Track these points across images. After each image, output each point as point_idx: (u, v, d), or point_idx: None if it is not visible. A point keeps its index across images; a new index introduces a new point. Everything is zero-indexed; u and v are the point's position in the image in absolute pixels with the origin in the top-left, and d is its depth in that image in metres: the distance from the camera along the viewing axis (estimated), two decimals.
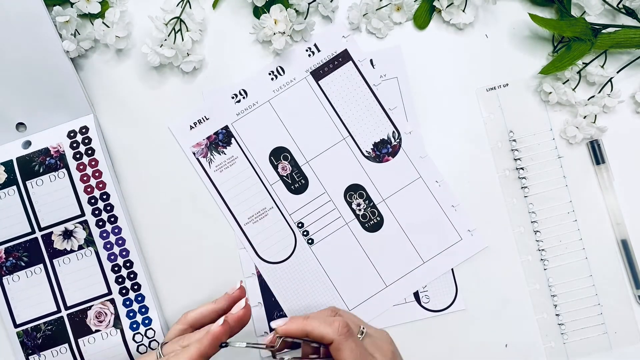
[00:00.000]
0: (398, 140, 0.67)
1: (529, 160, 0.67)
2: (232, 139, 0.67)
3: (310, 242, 0.67)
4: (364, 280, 0.67)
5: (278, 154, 0.67)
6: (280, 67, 0.67)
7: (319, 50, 0.67)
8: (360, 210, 0.67)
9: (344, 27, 0.67)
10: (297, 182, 0.67)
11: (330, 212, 0.67)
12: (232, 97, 0.67)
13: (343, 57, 0.67)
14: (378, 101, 0.67)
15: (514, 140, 0.67)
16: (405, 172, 0.67)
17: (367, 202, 0.67)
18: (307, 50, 0.67)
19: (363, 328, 0.56)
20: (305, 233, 0.67)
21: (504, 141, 0.67)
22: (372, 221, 0.67)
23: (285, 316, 0.66)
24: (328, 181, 0.67)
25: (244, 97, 0.67)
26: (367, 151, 0.67)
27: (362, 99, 0.67)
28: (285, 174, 0.67)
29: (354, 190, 0.67)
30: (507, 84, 0.67)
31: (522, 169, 0.67)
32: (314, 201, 0.67)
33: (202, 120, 0.67)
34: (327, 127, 0.67)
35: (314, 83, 0.67)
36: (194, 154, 0.67)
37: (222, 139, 0.67)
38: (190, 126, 0.67)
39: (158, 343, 0.64)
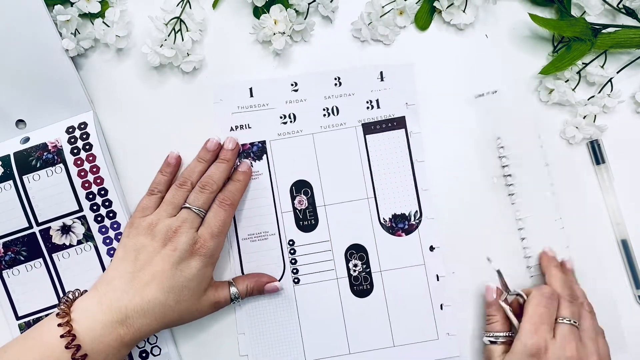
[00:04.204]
0: (417, 221, 0.67)
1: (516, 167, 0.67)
2: (265, 155, 0.67)
3: (296, 281, 0.67)
4: (331, 338, 0.66)
5: (300, 187, 0.67)
6: (336, 107, 0.67)
7: (379, 107, 0.67)
8: (355, 271, 0.66)
9: (411, 96, 0.67)
10: (307, 220, 0.67)
11: (326, 262, 0.67)
12: (280, 117, 0.67)
13: (398, 123, 0.67)
14: (414, 177, 0.67)
15: (502, 147, 0.67)
16: (412, 254, 0.67)
17: (364, 266, 0.66)
18: (367, 102, 0.67)
19: (577, 323, 0.60)
20: (294, 270, 0.67)
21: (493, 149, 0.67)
22: (362, 286, 0.66)
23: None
24: (336, 231, 0.67)
25: (291, 121, 0.67)
26: (384, 219, 0.67)
27: (401, 169, 0.67)
28: (299, 208, 0.67)
29: (356, 251, 0.67)
30: (496, 91, 0.67)
31: (509, 175, 0.67)
32: (316, 245, 0.67)
33: (244, 127, 0.67)
34: (356, 181, 0.67)
35: (362, 135, 0.67)
36: None
37: (255, 151, 0.67)
38: (231, 128, 0.67)
39: None
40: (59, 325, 0.56)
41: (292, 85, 0.67)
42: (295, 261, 0.67)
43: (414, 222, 0.67)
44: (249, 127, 0.67)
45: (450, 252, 0.66)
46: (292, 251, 0.67)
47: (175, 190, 0.63)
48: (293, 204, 0.67)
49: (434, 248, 0.66)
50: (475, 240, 0.66)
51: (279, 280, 0.66)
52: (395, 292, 0.66)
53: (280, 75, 0.67)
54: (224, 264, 0.66)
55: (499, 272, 0.65)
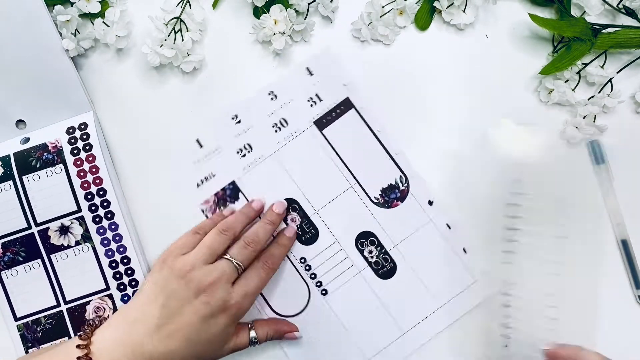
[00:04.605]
0: (406, 185, 0.67)
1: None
2: (240, 193, 0.67)
3: (324, 292, 0.66)
4: (380, 328, 0.66)
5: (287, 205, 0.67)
6: (283, 119, 0.67)
7: (320, 100, 0.67)
8: (372, 257, 0.66)
9: (344, 75, 0.67)
10: (307, 233, 0.67)
11: (343, 261, 0.66)
12: (237, 152, 0.67)
13: (345, 105, 0.67)
14: (383, 146, 0.67)
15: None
16: (415, 216, 0.66)
17: (378, 248, 0.66)
18: (308, 101, 0.67)
19: None
20: (318, 284, 0.66)
21: None
22: (385, 268, 0.66)
23: None
24: (338, 230, 0.67)
25: (249, 152, 0.67)
26: (375, 197, 0.67)
27: (367, 145, 0.67)
28: (294, 225, 0.67)
29: (365, 238, 0.67)
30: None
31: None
32: (326, 251, 0.67)
33: (208, 178, 0.67)
34: (333, 176, 0.67)
35: (318, 133, 0.67)
36: (202, 211, 0.67)
37: (230, 195, 0.67)
38: (197, 184, 0.67)
39: None
40: (79, 358, 0.56)
41: (233, 119, 0.67)
42: (315, 275, 0.66)
43: (403, 188, 0.67)
44: (213, 176, 0.67)
45: (448, 199, 0.67)
46: (307, 267, 0.66)
47: (217, 235, 0.62)
48: (287, 224, 0.67)
49: (432, 202, 0.66)
50: (465, 178, 0.67)
51: (308, 302, 0.66)
52: (417, 258, 0.66)
53: (218, 113, 0.67)
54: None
55: None
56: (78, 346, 0.56)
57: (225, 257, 0.61)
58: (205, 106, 0.67)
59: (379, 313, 0.66)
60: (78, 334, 0.58)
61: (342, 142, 0.67)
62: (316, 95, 0.67)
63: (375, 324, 0.66)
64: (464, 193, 0.67)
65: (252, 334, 0.63)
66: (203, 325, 0.58)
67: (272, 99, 0.67)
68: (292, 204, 0.67)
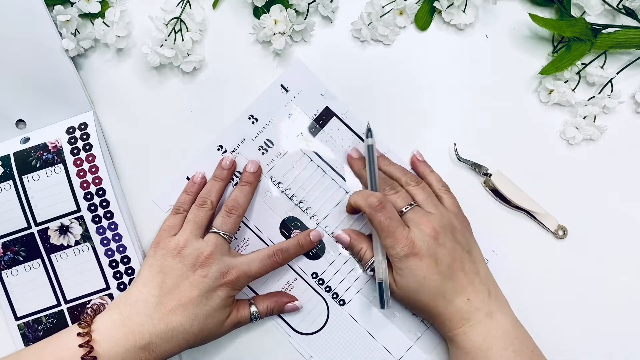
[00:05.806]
0: None
1: None
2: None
3: (342, 303, 0.66)
4: (404, 326, 0.66)
5: (288, 225, 0.67)
6: (267, 140, 0.67)
7: (300, 114, 0.67)
8: None
9: (320, 86, 0.67)
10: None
11: (354, 268, 0.67)
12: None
13: (326, 115, 0.67)
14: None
15: None
16: None
17: None
18: (289, 117, 0.67)
19: (414, 203, 0.62)
20: (334, 296, 0.66)
21: None
22: None
23: None
24: None
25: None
26: None
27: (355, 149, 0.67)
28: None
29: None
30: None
31: None
32: (335, 261, 0.67)
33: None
34: (328, 186, 0.67)
35: (305, 146, 0.67)
36: None
37: None
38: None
39: None
40: (80, 345, 0.56)
41: (218, 149, 0.67)
42: (330, 288, 0.67)
43: None
44: None
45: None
46: (320, 282, 0.67)
47: (197, 209, 0.63)
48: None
49: None
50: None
51: (328, 316, 0.66)
52: None
53: (205, 144, 0.67)
54: (270, 327, 0.67)
55: None
56: (79, 334, 0.57)
57: (212, 230, 0.62)
58: (205, 106, 0.67)
59: (400, 311, 0.66)
60: (77, 322, 0.59)
61: (330, 151, 0.67)
62: (295, 110, 0.67)
63: (399, 323, 0.66)
64: (462, 181, 0.67)
65: (253, 309, 0.64)
66: (202, 299, 0.59)
67: (252, 122, 0.67)
68: (293, 222, 0.67)
